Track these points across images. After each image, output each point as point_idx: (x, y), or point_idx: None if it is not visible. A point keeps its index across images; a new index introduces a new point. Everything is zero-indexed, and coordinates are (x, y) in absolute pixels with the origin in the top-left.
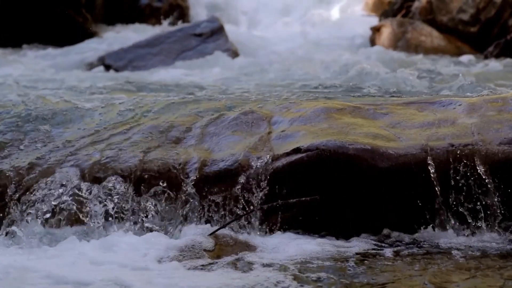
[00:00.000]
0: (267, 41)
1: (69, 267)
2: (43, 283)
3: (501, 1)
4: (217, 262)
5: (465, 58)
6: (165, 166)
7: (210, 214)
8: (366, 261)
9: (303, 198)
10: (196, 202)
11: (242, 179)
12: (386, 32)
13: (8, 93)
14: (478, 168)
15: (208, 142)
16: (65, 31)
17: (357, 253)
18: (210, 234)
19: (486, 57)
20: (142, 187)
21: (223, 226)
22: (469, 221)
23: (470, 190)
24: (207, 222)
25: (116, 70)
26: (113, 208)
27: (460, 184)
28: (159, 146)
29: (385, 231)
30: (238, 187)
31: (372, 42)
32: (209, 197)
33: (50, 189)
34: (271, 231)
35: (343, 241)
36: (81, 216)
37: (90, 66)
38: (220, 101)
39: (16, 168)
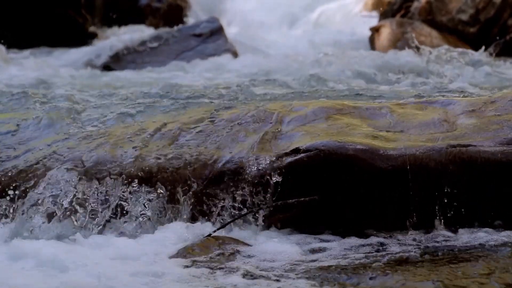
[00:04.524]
0: (266, 42)
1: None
2: None
3: (501, 2)
4: (215, 262)
5: (464, 58)
6: (165, 165)
7: (210, 214)
8: (365, 261)
9: (302, 199)
10: (196, 202)
11: (241, 179)
12: (386, 33)
13: (11, 95)
14: (477, 169)
15: (207, 142)
16: (64, 32)
17: (356, 253)
18: (209, 235)
19: (485, 57)
20: (145, 185)
21: (223, 226)
22: (470, 220)
23: (470, 190)
24: (206, 222)
25: (116, 70)
26: (115, 207)
27: (460, 184)
28: (159, 146)
29: (384, 231)
30: (236, 187)
31: (372, 42)
32: (209, 196)
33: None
34: (270, 231)
35: (343, 241)
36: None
37: (90, 66)
38: (220, 102)
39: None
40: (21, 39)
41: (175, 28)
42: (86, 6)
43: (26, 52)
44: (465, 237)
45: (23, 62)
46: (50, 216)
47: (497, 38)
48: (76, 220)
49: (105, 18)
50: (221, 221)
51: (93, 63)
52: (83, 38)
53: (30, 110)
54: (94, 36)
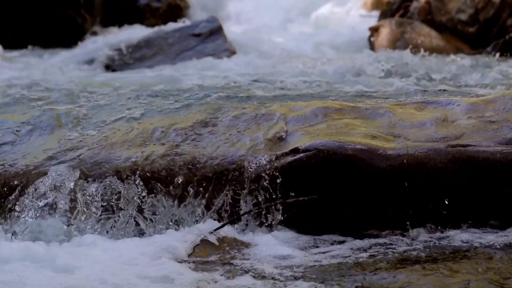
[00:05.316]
0: (265, 42)
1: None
2: None
3: (500, 1)
4: (216, 263)
5: (463, 58)
6: (166, 165)
7: (210, 214)
8: (367, 261)
9: (301, 198)
10: (196, 202)
11: (240, 179)
12: (385, 32)
13: (9, 95)
14: (477, 168)
15: (207, 142)
16: (63, 32)
17: (355, 253)
18: (208, 235)
19: (484, 57)
20: (145, 185)
21: (222, 226)
22: (469, 220)
23: (469, 190)
24: (207, 222)
25: (115, 70)
26: (113, 207)
27: (459, 184)
28: (160, 145)
29: (382, 231)
30: (236, 187)
31: (371, 42)
32: (208, 196)
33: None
34: (271, 231)
35: (344, 240)
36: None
37: (89, 66)
38: (219, 102)
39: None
40: (20, 39)
41: (174, 28)
42: (85, 6)
43: (25, 52)
44: (465, 236)
45: (22, 61)
46: (52, 218)
47: (496, 38)
48: (76, 222)
49: (105, 18)
50: (222, 221)
51: (92, 63)
52: (82, 38)
53: (28, 111)
54: (93, 36)
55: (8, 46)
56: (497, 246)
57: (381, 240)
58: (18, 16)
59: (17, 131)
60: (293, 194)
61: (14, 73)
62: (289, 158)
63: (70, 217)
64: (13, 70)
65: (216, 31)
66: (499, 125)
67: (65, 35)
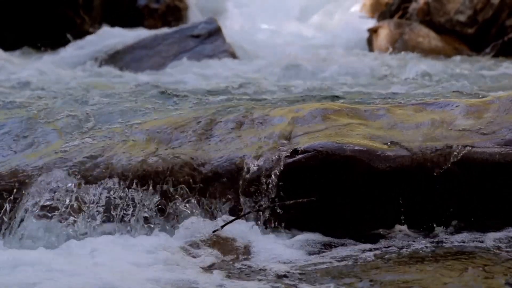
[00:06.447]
0: (264, 43)
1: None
2: None
3: (499, 2)
4: (214, 261)
5: (462, 59)
6: (166, 166)
7: (209, 215)
8: (366, 262)
9: (300, 200)
10: (195, 203)
11: (240, 180)
12: (383, 34)
13: (7, 98)
14: (475, 169)
15: (206, 143)
16: (62, 32)
17: (356, 254)
18: (210, 235)
19: (483, 58)
20: (146, 186)
21: (221, 227)
22: (468, 220)
23: (468, 191)
24: (206, 223)
25: (113, 71)
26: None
27: (458, 185)
28: (160, 147)
29: (382, 232)
30: (236, 188)
31: (370, 44)
32: (208, 198)
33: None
34: (271, 232)
35: (344, 241)
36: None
37: (87, 67)
38: (218, 103)
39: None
40: (17, 39)
41: (173, 29)
42: (84, 7)
43: (22, 52)
44: (465, 236)
45: (19, 62)
46: (54, 221)
47: (495, 39)
48: (79, 225)
49: (103, 19)
50: (221, 222)
51: (90, 64)
52: (81, 39)
53: (25, 113)
54: (92, 36)
55: (6, 47)
56: (497, 246)
57: (382, 241)
58: (16, 16)
59: (14, 134)
60: (292, 195)
61: (11, 74)
62: (288, 160)
63: (72, 221)
64: (10, 71)
65: (215, 33)
66: (498, 126)
67: (64, 36)
